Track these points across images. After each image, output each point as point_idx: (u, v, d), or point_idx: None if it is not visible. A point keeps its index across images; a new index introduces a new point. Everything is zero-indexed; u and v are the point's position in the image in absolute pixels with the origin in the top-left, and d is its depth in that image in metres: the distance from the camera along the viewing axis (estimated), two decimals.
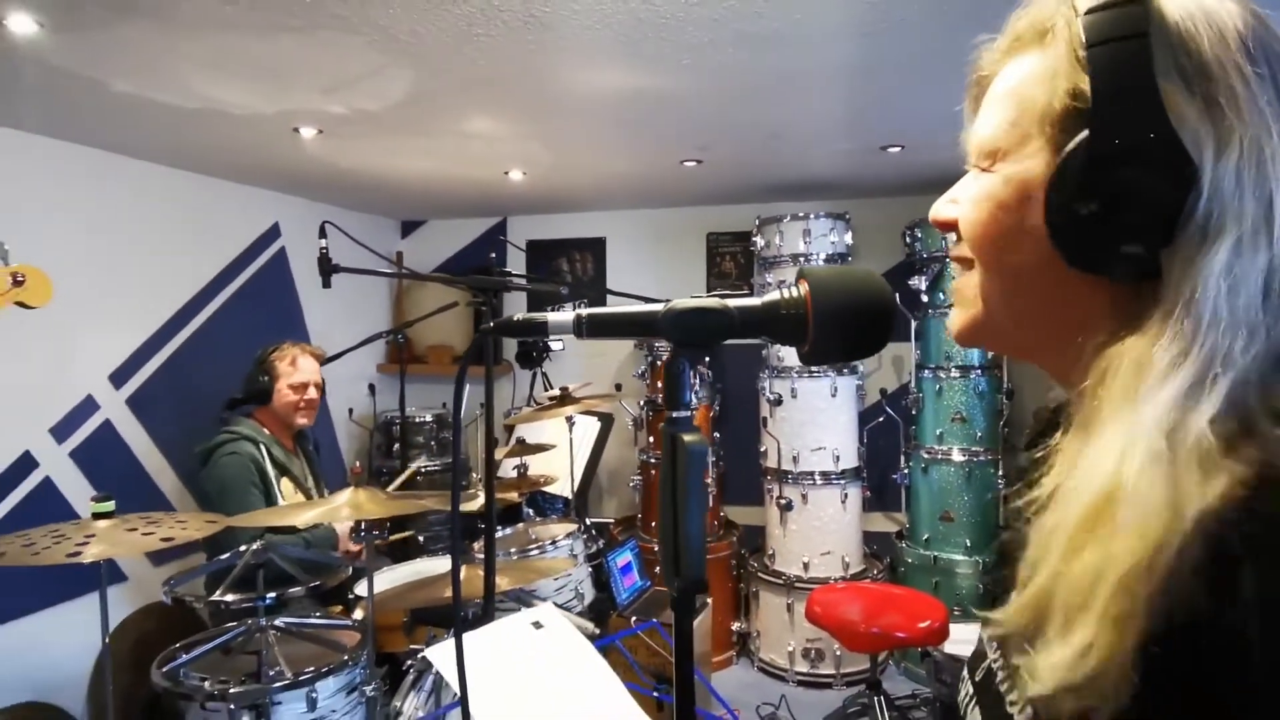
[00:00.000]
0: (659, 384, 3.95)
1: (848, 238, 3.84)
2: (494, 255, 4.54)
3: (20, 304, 1.16)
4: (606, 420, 3.73)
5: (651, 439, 3.97)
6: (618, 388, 4.23)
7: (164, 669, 1.85)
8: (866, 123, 2.86)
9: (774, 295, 0.74)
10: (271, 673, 1.82)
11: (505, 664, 1.24)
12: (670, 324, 0.73)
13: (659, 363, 3.95)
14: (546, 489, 3.35)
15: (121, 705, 3.14)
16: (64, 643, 2.85)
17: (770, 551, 3.89)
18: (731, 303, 0.73)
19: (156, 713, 2.67)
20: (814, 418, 3.76)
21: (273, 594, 1.77)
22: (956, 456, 3.70)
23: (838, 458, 3.77)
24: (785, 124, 2.84)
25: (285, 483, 2.82)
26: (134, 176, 3.10)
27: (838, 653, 3.61)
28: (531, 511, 3.36)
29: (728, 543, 3.99)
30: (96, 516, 1.77)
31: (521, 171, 3.48)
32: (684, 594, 0.73)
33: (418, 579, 2.48)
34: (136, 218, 3.11)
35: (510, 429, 4.00)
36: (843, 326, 0.72)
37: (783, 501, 3.79)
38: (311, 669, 1.91)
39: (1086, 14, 0.55)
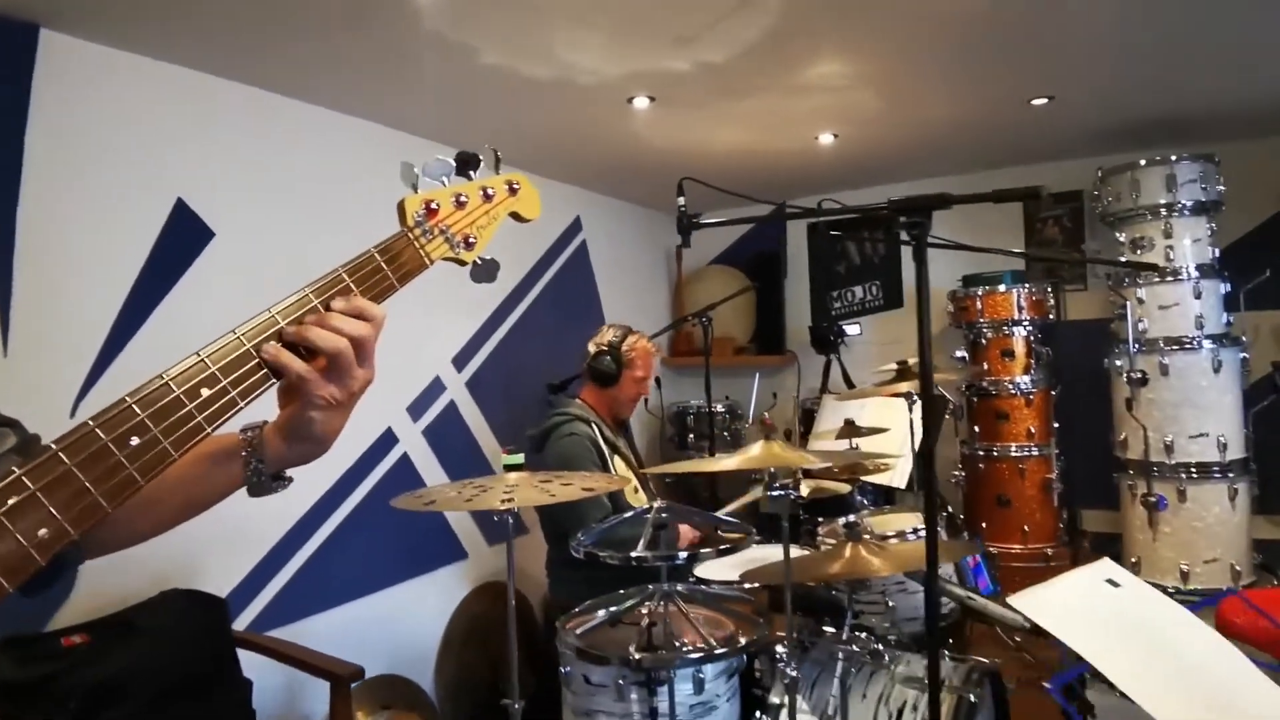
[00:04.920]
0: (984, 366, 3.52)
1: (1219, 185, 3.22)
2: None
3: (514, 215, 1.02)
4: (941, 402, 3.36)
5: (976, 428, 3.54)
6: None
7: (567, 627, 1.78)
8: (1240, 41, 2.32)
9: None
10: (677, 643, 1.69)
11: (1098, 620, 0.97)
12: None
13: (983, 342, 3.52)
14: (872, 479, 3.06)
15: (461, 678, 3.25)
16: (416, 616, 2.98)
17: (1134, 559, 3.29)
18: None
19: (495, 691, 2.70)
20: (1192, 398, 3.14)
21: (685, 551, 1.63)
22: None
23: (1224, 446, 3.12)
24: (1165, 42, 2.38)
25: (618, 460, 2.76)
26: None
27: None
28: (865, 502, 3.06)
29: (1071, 553, 3.46)
30: (509, 469, 1.74)
31: (833, 134, 3.25)
32: None
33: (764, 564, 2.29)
34: None
35: (812, 413, 3.76)
36: None
37: (1152, 499, 3.20)
38: (703, 647, 1.74)
39: None
